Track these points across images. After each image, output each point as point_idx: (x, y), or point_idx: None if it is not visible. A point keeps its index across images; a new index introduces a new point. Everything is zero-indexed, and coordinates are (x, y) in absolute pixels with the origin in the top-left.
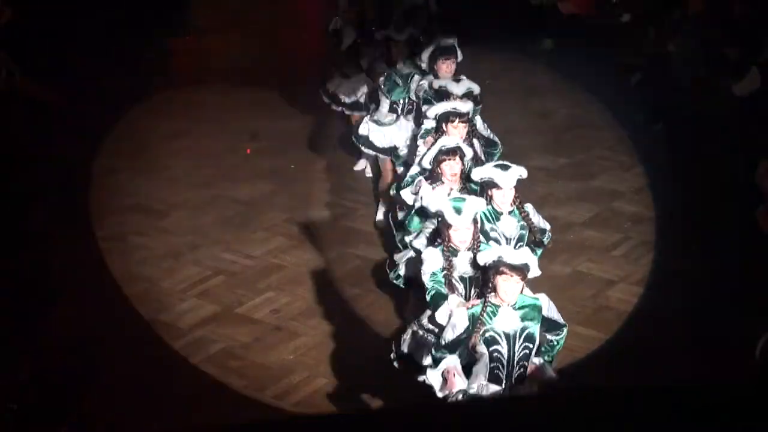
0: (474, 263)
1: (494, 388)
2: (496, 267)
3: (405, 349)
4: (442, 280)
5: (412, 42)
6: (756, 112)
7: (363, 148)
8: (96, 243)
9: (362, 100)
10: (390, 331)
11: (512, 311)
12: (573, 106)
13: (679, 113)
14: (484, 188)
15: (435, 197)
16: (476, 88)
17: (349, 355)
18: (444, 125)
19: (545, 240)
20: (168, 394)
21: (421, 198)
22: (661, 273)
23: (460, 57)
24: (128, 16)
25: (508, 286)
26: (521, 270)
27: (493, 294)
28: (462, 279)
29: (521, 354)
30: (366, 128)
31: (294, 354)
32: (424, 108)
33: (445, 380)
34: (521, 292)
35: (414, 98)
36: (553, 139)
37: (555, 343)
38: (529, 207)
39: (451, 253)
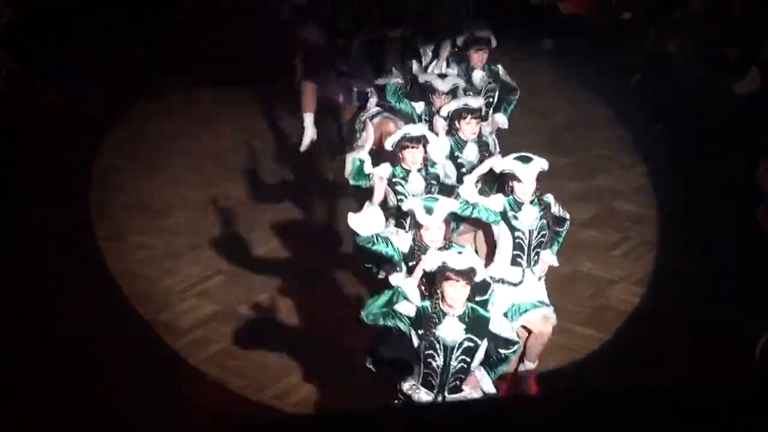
0: None
1: (426, 396)
2: (442, 272)
3: (380, 352)
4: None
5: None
6: (756, 112)
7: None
8: (96, 243)
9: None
10: None
11: (457, 322)
12: (573, 106)
13: (679, 113)
14: (505, 179)
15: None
16: (461, 83)
17: (350, 354)
18: (457, 122)
19: (563, 230)
20: (168, 394)
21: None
22: (661, 273)
23: (494, 45)
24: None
25: (455, 292)
26: (467, 274)
27: (440, 300)
28: None
29: (458, 367)
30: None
31: (294, 353)
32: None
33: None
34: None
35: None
36: (553, 139)
37: (504, 357)
38: (549, 198)
39: (422, 252)
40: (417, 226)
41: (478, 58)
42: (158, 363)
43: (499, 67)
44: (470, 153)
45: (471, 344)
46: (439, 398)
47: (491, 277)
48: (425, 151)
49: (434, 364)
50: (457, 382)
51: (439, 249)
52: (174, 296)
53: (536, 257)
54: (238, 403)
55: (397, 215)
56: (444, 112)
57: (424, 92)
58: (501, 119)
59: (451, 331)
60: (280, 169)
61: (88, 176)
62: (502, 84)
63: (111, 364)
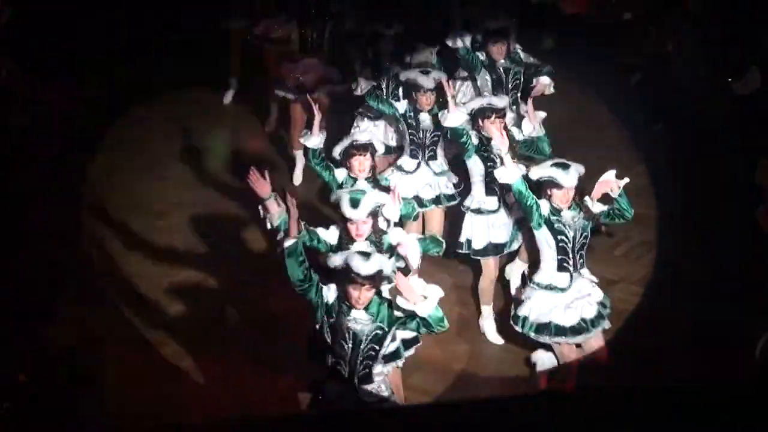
0: None
1: (336, 386)
2: (346, 273)
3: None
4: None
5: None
6: (756, 112)
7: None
8: (96, 243)
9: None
10: None
11: (364, 313)
12: (573, 105)
13: (679, 113)
14: (544, 187)
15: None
16: (444, 76)
17: None
18: (480, 121)
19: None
20: (168, 394)
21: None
22: (661, 273)
23: (514, 40)
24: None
25: (357, 295)
26: (371, 279)
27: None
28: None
29: (366, 354)
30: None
31: (294, 352)
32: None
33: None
34: None
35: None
36: (552, 139)
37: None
38: (588, 201)
39: (349, 245)
40: (343, 218)
41: (497, 50)
42: (158, 363)
43: (518, 51)
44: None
45: (380, 332)
46: (351, 387)
47: (538, 284)
48: (372, 159)
49: (343, 351)
50: (366, 370)
51: (367, 241)
52: (174, 296)
53: (581, 260)
54: (239, 402)
55: None
56: (468, 108)
57: (408, 90)
58: (545, 80)
59: (359, 320)
60: (281, 168)
61: (88, 176)
62: (525, 65)
63: (111, 364)
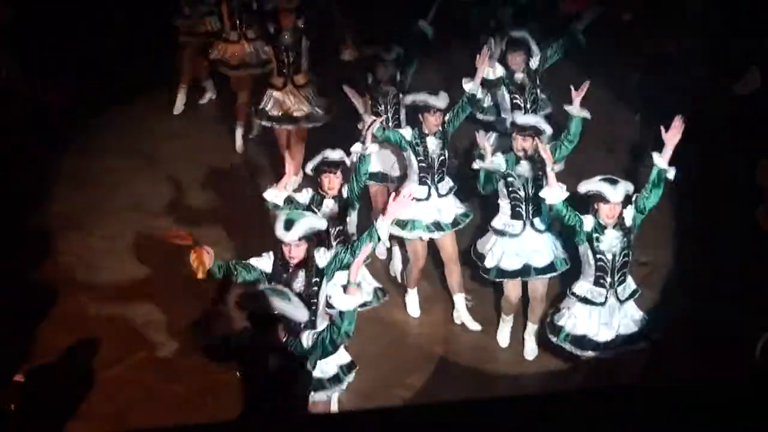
0: (307, 281)
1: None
2: (269, 310)
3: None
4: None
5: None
6: (756, 112)
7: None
8: (96, 243)
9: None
10: (392, 330)
11: None
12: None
13: (679, 113)
14: (591, 201)
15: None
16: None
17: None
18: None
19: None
20: (168, 394)
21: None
22: (661, 273)
23: (535, 51)
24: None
25: (277, 330)
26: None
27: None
28: (298, 295)
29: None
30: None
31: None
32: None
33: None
34: None
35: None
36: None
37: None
38: (627, 220)
39: (283, 267)
40: (278, 239)
41: (514, 60)
42: (158, 363)
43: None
44: (523, 170)
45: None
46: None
47: (574, 294)
48: (342, 178)
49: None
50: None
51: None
52: (173, 296)
53: (622, 278)
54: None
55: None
56: (508, 123)
57: (413, 114)
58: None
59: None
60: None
61: (87, 176)
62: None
63: (111, 364)
